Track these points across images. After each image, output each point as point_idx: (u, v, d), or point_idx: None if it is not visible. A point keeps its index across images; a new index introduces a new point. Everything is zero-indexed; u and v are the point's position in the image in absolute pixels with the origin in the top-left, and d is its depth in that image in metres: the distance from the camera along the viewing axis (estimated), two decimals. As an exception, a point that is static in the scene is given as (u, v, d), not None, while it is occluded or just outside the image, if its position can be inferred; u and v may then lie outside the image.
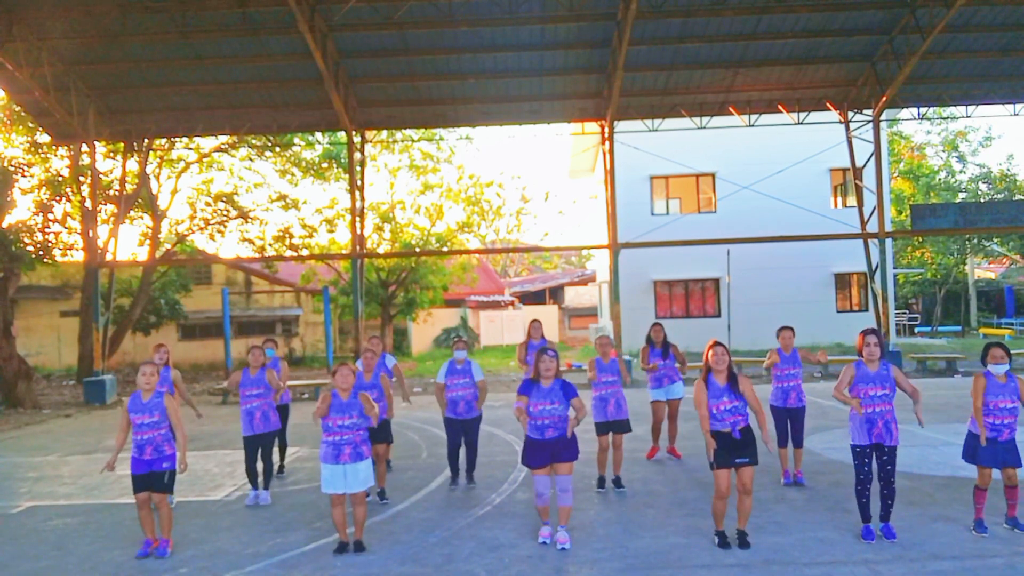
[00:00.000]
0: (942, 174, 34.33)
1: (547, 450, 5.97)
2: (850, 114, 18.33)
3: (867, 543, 5.79)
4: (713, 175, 23.84)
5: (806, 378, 8.38)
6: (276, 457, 9.04)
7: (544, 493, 6.04)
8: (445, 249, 25.42)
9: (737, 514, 5.87)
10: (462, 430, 8.00)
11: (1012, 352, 6.17)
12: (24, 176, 17.88)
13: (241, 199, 23.21)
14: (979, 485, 5.95)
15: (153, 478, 5.94)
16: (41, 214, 18.28)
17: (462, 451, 8.11)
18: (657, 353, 8.85)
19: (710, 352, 5.80)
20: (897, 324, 27.61)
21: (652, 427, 9.08)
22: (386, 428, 7.73)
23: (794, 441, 7.73)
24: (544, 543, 6.01)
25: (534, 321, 9.37)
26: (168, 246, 22.73)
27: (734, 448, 5.65)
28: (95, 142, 17.46)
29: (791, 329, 7.77)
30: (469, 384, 7.87)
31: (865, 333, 5.89)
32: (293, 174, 23.60)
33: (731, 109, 18.00)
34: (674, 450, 9.13)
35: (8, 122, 19.54)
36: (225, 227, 22.81)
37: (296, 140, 22.19)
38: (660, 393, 8.91)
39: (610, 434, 7.76)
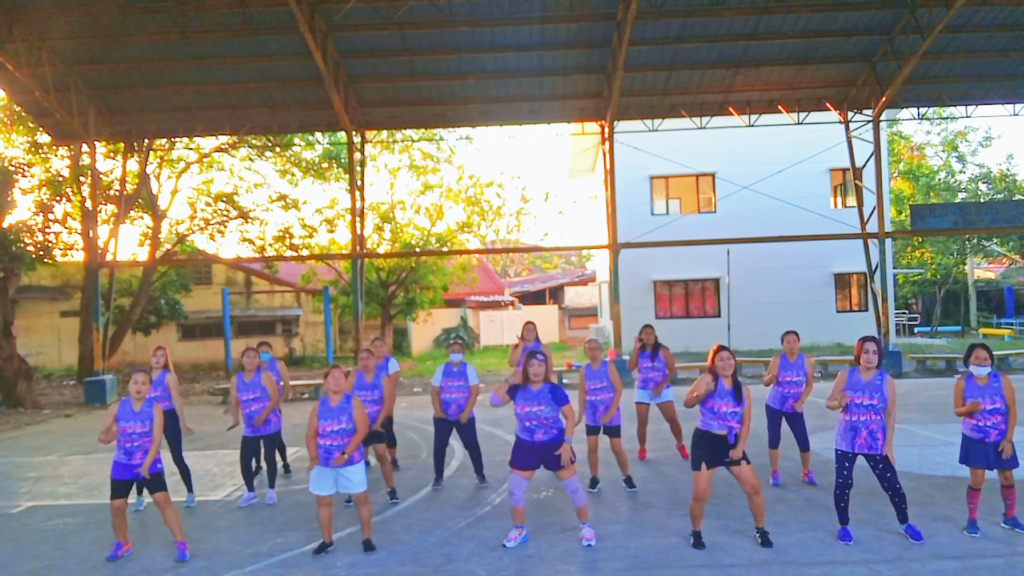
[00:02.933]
0: (942, 174, 34.32)
1: (536, 452, 5.95)
2: (850, 114, 18.33)
3: (867, 544, 5.78)
4: (713, 175, 23.85)
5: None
6: (278, 456, 9.05)
7: (516, 494, 5.98)
8: (445, 249, 25.42)
9: (752, 514, 5.92)
10: (449, 430, 7.98)
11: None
12: (24, 176, 17.88)
13: (241, 199, 23.26)
14: (972, 485, 5.96)
15: (153, 479, 5.95)
16: (41, 214, 18.30)
17: (460, 454, 8.08)
18: (646, 355, 8.82)
19: (716, 357, 5.79)
20: (897, 324, 27.63)
21: (637, 429, 9.06)
22: (387, 429, 7.72)
23: (800, 445, 7.74)
24: (505, 546, 5.96)
25: (528, 323, 9.28)
26: (168, 246, 22.74)
27: (724, 451, 5.71)
28: (95, 142, 17.44)
29: (796, 334, 7.76)
30: (464, 387, 7.87)
31: (864, 340, 5.85)
32: (293, 174, 23.63)
33: (731, 109, 18.00)
34: (683, 448, 9.03)
35: (8, 122, 19.55)
36: (225, 227, 22.84)
37: (296, 140, 22.20)
38: (645, 395, 8.87)
39: (599, 435, 7.72)
